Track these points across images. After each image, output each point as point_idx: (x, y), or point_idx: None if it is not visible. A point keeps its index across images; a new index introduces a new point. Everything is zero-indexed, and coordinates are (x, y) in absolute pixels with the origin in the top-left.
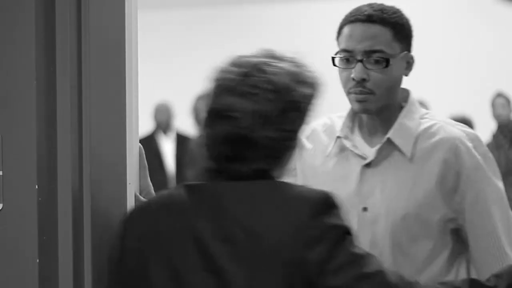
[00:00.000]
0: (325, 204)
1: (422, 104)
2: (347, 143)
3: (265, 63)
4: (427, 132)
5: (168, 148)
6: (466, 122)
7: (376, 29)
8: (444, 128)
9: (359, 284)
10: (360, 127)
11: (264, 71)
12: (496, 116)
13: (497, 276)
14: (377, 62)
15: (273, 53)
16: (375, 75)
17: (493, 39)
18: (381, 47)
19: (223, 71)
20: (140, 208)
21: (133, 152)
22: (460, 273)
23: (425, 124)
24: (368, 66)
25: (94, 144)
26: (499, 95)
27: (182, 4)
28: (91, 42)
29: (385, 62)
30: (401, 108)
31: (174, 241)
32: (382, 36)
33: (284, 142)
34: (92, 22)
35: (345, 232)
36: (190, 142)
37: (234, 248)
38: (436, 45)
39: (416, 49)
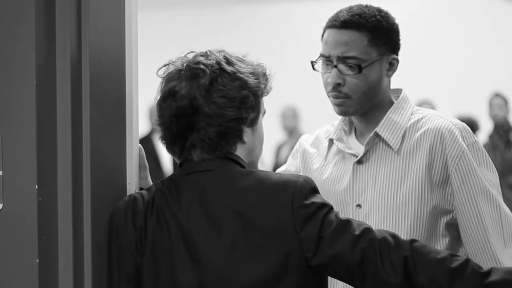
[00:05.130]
0: (310, 186)
1: (428, 104)
2: (340, 145)
3: (206, 53)
4: (416, 126)
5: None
6: (472, 122)
7: (350, 35)
8: (432, 119)
9: (355, 247)
10: (355, 129)
11: (206, 55)
12: (492, 116)
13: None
14: (351, 67)
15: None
16: (350, 80)
17: (492, 38)
18: (354, 53)
19: (170, 64)
20: (127, 206)
21: (133, 152)
22: None
23: (415, 118)
24: (343, 71)
25: (94, 145)
26: (497, 95)
27: (172, 4)
28: (91, 42)
29: (358, 68)
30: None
31: (163, 235)
32: (355, 42)
33: (229, 110)
34: (92, 22)
35: (331, 208)
36: None
37: (220, 235)
38: (434, 45)
39: (414, 49)
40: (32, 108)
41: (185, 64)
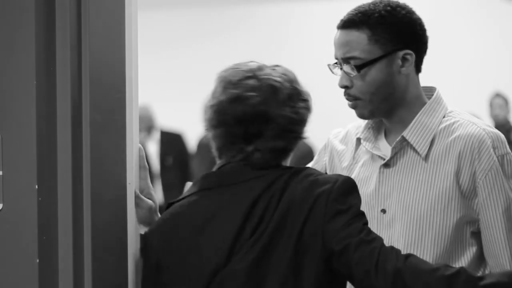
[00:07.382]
0: (350, 184)
1: None
2: (367, 145)
3: (275, 67)
4: (447, 130)
5: (152, 148)
6: None
7: (350, 35)
8: (464, 125)
9: (356, 251)
10: (384, 129)
11: (276, 70)
12: (493, 116)
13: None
14: (354, 68)
15: (262, 63)
16: (356, 81)
17: (493, 38)
18: (354, 53)
19: (228, 69)
20: (163, 223)
21: (133, 152)
22: None
23: (447, 122)
24: (349, 73)
25: (94, 145)
26: (498, 95)
27: (172, 4)
28: (91, 42)
29: (358, 68)
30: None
31: (193, 253)
32: (356, 42)
33: (298, 127)
34: (92, 22)
35: (362, 211)
36: (176, 139)
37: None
38: (435, 45)
39: None
40: (32, 108)
41: (256, 73)
